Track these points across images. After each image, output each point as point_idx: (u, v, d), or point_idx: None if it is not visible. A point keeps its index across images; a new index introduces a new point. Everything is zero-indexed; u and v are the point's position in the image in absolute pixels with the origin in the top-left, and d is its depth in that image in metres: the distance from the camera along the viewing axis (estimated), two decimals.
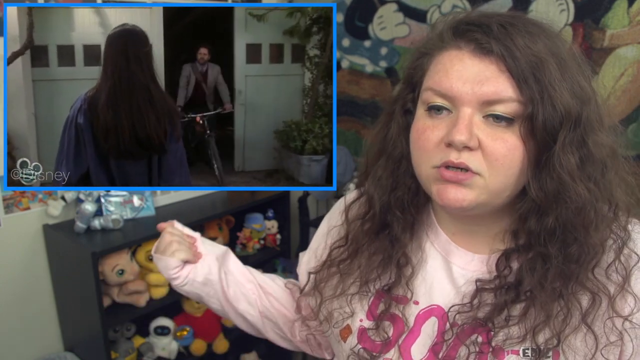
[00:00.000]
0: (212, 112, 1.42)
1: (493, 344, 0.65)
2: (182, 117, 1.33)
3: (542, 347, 0.62)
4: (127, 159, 1.07)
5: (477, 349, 0.65)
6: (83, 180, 1.08)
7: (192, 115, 1.37)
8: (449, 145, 0.62)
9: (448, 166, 0.62)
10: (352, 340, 0.75)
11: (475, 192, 0.62)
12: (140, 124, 1.04)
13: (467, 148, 0.61)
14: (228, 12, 1.22)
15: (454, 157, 0.61)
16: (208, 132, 1.41)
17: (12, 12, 1.09)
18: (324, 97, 1.29)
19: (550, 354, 0.63)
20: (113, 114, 1.04)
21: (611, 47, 1.71)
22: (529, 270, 0.64)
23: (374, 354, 0.72)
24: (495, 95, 0.60)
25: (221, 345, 2.12)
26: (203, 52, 1.39)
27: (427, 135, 0.64)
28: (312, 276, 0.82)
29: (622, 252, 0.63)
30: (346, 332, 0.77)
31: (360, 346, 0.74)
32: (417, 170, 0.68)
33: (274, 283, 0.98)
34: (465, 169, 0.61)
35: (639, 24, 1.65)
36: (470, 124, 0.60)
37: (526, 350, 0.64)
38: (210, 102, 1.50)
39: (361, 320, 0.75)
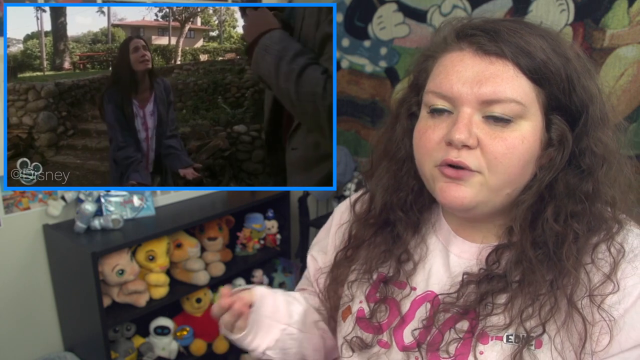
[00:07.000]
0: None
1: (477, 330, 0.66)
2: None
3: (526, 335, 0.63)
4: None
5: (462, 335, 0.67)
6: None
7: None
8: (449, 144, 0.63)
9: (449, 164, 0.64)
10: (351, 321, 0.78)
11: (474, 189, 0.64)
12: None
13: (466, 147, 0.62)
14: None
15: (453, 155, 0.63)
16: None
17: None
18: None
19: (534, 342, 0.64)
20: None
21: (611, 47, 1.71)
22: (521, 261, 0.65)
23: (369, 336, 0.75)
24: (493, 95, 0.61)
25: (221, 345, 2.12)
26: None
27: (428, 135, 0.66)
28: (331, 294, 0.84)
29: (612, 245, 0.64)
30: (346, 312, 0.80)
31: (358, 328, 0.76)
32: (421, 170, 0.70)
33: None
34: (463, 167, 0.63)
35: (639, 24, 1.65)
36: (469, 123, 0.62)
37: (510, 337, 0.65)
38: None
39: (360, 302, 0.78)
